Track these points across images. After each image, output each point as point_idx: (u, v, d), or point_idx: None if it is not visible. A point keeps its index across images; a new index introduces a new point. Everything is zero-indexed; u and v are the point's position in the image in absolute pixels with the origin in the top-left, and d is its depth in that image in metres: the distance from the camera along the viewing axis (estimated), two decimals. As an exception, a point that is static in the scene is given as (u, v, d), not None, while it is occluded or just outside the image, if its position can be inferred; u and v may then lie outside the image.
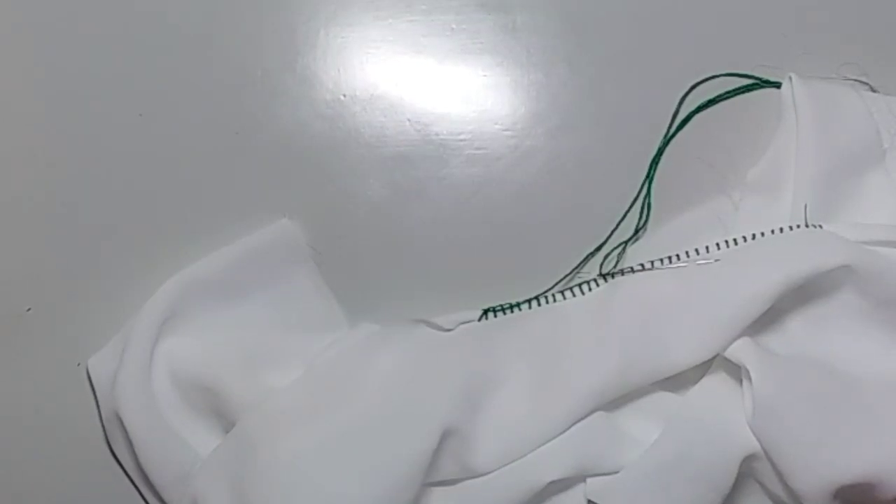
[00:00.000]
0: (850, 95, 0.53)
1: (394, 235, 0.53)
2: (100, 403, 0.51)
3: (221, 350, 0.51)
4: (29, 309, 0.53)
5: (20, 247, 0.53)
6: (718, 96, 0.54)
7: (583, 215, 0.53)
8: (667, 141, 0.54)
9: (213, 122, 0.54)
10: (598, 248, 0.53)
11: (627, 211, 0.53)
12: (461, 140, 0.54)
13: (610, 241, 0.53)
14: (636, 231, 0.53)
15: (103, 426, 0.51)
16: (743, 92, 0.54)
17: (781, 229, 0.51)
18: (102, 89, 0.54)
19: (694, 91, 0.54)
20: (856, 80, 0.54)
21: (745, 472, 0.50)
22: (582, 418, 0.49)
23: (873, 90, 0.54)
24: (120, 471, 0.52)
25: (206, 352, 0.51)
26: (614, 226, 0.53)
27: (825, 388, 0.49)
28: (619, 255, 0.53)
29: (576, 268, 0.53)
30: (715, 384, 0.50)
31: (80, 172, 0.54)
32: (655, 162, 0.54)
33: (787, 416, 0.48)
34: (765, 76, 0.54)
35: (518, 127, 0.54)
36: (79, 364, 0.52)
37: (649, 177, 0.54)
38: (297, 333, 0.52)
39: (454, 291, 0.53)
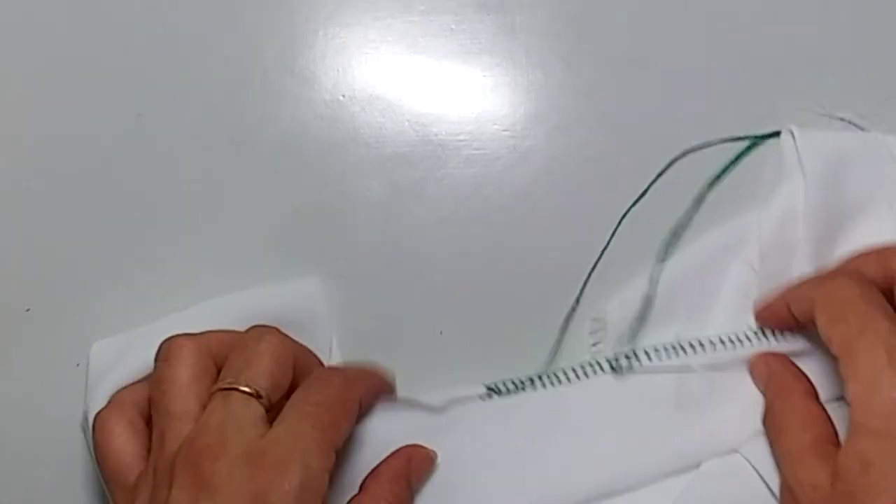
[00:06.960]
0: (852, 143, 0.52)
1: (393, 235, 0.53)
2: (87, 391, 0.50)
3: None
4: (28, 309, 0.53)
5: (20, 247, 0.53)
6: (722, 171, 0.53)
7: (582, 216, 0.53)
8: (643, 193, 0.53)
9: (213, 123, 0.54)
10: (601, 256, 0.52)
11: (626, 212, 0.53)
12: (460, 140, 0.54)
13: (609, 245, 0.53)
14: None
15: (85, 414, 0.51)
16: (743, 156, 0.53)
17: None
18: (102, 89, 0.54)
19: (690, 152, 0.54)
20: (851, 122, 0.53)
21: None
22: None
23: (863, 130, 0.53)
24: (120, 470, 0.52)
25: None
26: (613, 227, 0.53)
27: None
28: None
29: (586, 279, 0.52)
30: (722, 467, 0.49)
31: (79, 172, 0.54)
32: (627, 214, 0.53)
33: None
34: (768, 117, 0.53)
35: (517, 127, 0.54)
36: (78, 364, 0.52)
37: (650, 184, 0.53)
38: None
39: (453, 291, 0.53)
